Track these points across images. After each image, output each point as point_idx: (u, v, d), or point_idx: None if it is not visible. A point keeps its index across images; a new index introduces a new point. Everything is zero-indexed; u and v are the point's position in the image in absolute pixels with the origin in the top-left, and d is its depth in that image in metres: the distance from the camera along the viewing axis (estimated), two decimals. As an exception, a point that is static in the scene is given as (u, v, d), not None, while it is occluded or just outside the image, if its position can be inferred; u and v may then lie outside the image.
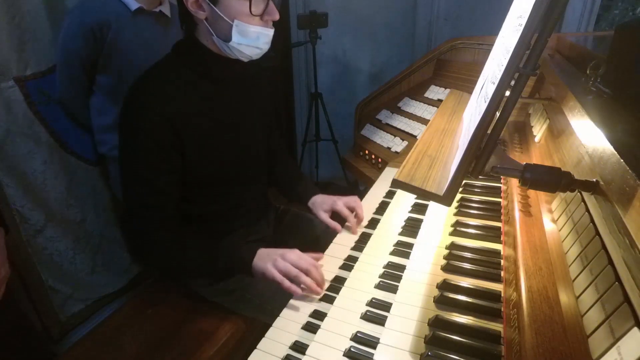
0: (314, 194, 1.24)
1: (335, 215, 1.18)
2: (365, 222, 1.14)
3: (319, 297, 0.87)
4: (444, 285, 0.81)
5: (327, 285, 0.90)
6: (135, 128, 0.92)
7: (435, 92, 1.79)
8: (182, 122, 0.92)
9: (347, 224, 1.15)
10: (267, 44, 0.96)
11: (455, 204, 1.10)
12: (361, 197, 1.29)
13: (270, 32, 0.94)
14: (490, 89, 0.60)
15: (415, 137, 1.67)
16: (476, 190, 1.16)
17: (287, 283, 0.87)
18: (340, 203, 1.15)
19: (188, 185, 1.01)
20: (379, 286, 0.87)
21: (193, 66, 0.97)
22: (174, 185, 0.98)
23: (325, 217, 1.17)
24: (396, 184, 0.74)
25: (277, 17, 0.92)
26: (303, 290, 0.87)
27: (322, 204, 1.20)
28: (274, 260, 0.91)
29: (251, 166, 1.13)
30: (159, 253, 0.98)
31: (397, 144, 1.69)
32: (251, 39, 0.92)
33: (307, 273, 0.88)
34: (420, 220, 1.07)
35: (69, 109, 1.56)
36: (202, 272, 1.01)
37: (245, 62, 0.99)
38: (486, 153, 0.64)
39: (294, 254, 0.91)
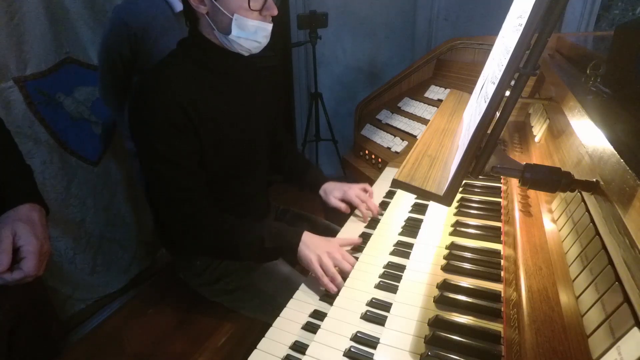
0: (324, 181, 1.28)
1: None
2: (365, 222, 1.15)
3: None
4: (444, 285, 0.81)
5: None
6: (150, 117, 0.93)
7: (435, 92, 1.79)
8: (191, 107, 0.94)
9: (356, 211, 1.18)
10: (266, 37, 0.98)
11: (455, 204, 1.10)
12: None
13: (268, 26, 0.97)
14: (490, 89, 0.60)
15: (415, 137, 1.67)
16: (476, 190, 1.16)
17: (326, 280, 0.90)
18: (352, 193, 1.19)
19: None
20: (379, 286, 0.87)
21: (197, 59, 0.99)
22: (200, 167, 0.99)
23: (335, 201, 1.21)
24: (396, 184, 0.74)
25: (275, 12, 0.95)
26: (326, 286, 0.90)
27: (333, 190, 1.23)
28: (319, 256, 0.93)
29: (252, 159, 1.14)
30: (207, 234, 0.97)
31: (397, 144, 1.69)
32: (250, 32, 0.94)
33: (343, 270, 0.92)
34: (420, 220, 1.07)
35: (107, 105, 1.61)
36: (250, 252, 1.00)
37: (247, 57, 1.02)
38: (486, 153, 0.64)
39: (339, 254, 0.95)
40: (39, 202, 0.88)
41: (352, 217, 1.17)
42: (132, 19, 1.34)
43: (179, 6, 1.36)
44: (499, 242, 0.92)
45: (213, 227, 0.97)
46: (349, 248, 1.02)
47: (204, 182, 1.01)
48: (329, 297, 0.87)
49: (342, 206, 1.19)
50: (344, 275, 0.91)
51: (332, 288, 0.88)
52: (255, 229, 0.99)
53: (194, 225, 0.97)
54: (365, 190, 1.22)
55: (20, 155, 0.97)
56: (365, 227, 1.13)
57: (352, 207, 1.20)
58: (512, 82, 0.56)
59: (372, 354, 0.70)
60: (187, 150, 0.96)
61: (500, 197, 1.10)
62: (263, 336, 0.78)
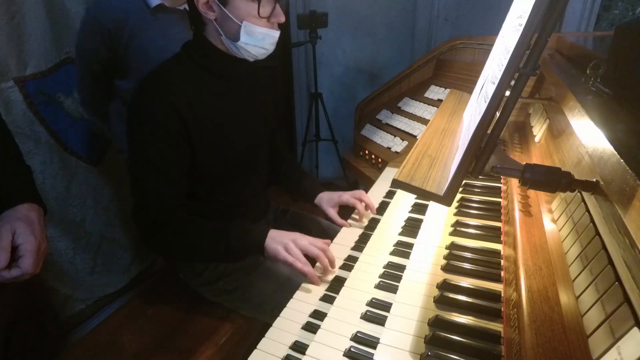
0: (319, 191, 1.27)
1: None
2: (365, 222, 1.15)
3: (328, 278, 0.91)
4: (444, 285, 0.81)
5: (327, 285, 0.90)
6: (145, 119, 0.94)
7: (435, 92, 1.79)
8: (190, 114, 0.95)
9: (353, 215, 1.17)
10: (273, 45, 0.99)
11: (455, 204, 1.10)
12: (361, 197, 1.30)
13: (276, 33, 0.98)
14: (490, 89, 0.60)
15: (415, 137, 1.67)
16: (476, 190, 1.16)
17: (298, 264, 0.90)
18: (346, 195, 1.19)
19: (191, 179, 1.03)
20: (379, 286, 0.87)
21: (201, 63, 1.00)
22: (184, 175, 1.00)
23: (333, 214, 1.20)
24: (396, 184, 0.74)
25: (282, 19, 0.97)
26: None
27: (329, 200, 1.23)
28: (285, 245, 0.94)
29: (253, 161, 1.14)
30: (173, 239, 0.99)
31: (397, 144, 1.69)
32: (258, 39, 0.95)
33: (316, 258, 0.92)
34: (420, 220, 1.07)
35: (89, 113, 1.53)
36: (216, 255, 1.01)
37: (251, 62, 1.03)
38: (486, 153, 0.64)
39: (305, 240, 0.95)
40: (37, 201, 0.90)
41: (351, 218, 1.17)
42: (103, 14, 1.27)
43: (154, 1, 1.28)
44: (499, 242, 0.92)
45: (178, 231, 0.98)
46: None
47: (183, 191, 1.01)
48: (329, 297, 0.87)
49: (339, 221, 1.17)
50: (325, 259, 0.92)
51: (309, 271, 0.89)
52: (221, 230, 0.99)
53: (158, 230, 0.98)
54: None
55: (20, 155, 0.98)
56: (365, 227, 1.13)
57: (350, 212, 1.19)
58: (512, 82, 0.56)
59: (372, 354, 0.70)
60: (175, 158, 0.96)
61: (500, 197, 1.10)
62: (263, 336, 0.78)
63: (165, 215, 0.97)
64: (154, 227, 0.98)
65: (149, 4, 1.28)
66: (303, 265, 0.90)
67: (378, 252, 0.99)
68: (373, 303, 0.82)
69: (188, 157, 0.99)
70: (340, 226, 1.16)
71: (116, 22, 1.27)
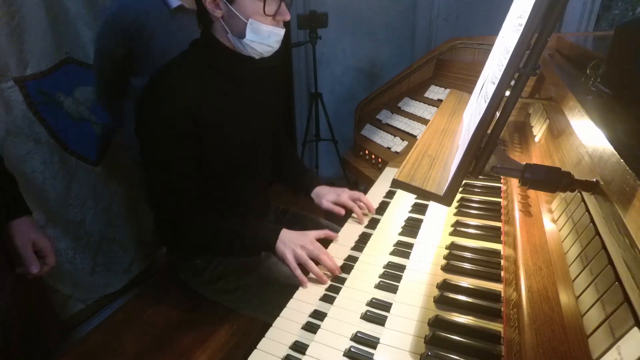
0: (317, 185, 1.28)
1: (334, 217, 1.19)
2: (365, 222, 1.15)
3: (326, 284, 0.92)
4: (444, 285, 0.81)
5: (327, 284, 0.91)
6: (155, 118, 0.96)
7: (435, 92, 1.78)
8: (198, 112, 0.96)
9: (352, 215, 1.17)
10: (278, 42, 1.01)
11: (455, 204, 1.10)
12: (361, 197, 1.30)
13: (281, 31, 0.99)
14: (490, 89, 0.60)
15: (415, 137, 1.67)
16: (476, 190, 1.16)
17: (298, 272, 0.93)
18: (345, 195, 1.20)
19: None
20: (379, 286, 0.87)
21: (208, 61, 1.01)
22: (196, 172, 1.02)
23: (328, 204, 1.21)
24: (396, 184, 0.74)
25: (288, 17, 0.98)
26: (311, 280, 0.93)
27: (325, 194, 1.24)
28: (293, 249, 0.97)
29: (253, 161, 1.15)
30: (190, 235, 1.03)
31: (397, 144, 1.69)
32: (263, 37, 0.97)
33: (321, 262, 0.95)
34: (420, 220, 1.07)
35: (107, 111, 1.57)
36: (231, 250, 1.06)
37: (256, 60, 1.04)
38: (486, 153, 0.64)
39: (312, 245, 0.98)
40: (28, 210, 1.03)
41: (351, 218, 1.17)
42: (124, 14, 1.29)
43: (174, 2, 1.30)
44: (499, 242, 0.92)
45: (194, 228, 1.02)
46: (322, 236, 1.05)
47: (198, 186, 1.04)
48: (329, 297, 0.87)
49: (336, 209, 1.19)
50: (326, 265, 0.94)
51: (304, 280, 0.91)
52: (234, 228, 1.03)
53: (177, 227, 1.02)
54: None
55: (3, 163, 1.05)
56: (365, 227, 1.13)
57: (348, 210, 1.20)
58: (512, 82, 0.56)
59: (372, 354, 0.70)
60: (187, 155, 0.98)
61: (500, 197, 1.10)
62: (263, 336, 0.78)
63: (180, 212, 1.00)
64: (170, 225, 1.03)
65: (170, 4, 1.30)
66: (300, 274, 0.93)
67: (378, 252, 0.99)
68: (373, 303, 0.82)
69: (199, 154, 1.01)
70: (338, 214, 1.18)
71: (137, 22, 1.29)
